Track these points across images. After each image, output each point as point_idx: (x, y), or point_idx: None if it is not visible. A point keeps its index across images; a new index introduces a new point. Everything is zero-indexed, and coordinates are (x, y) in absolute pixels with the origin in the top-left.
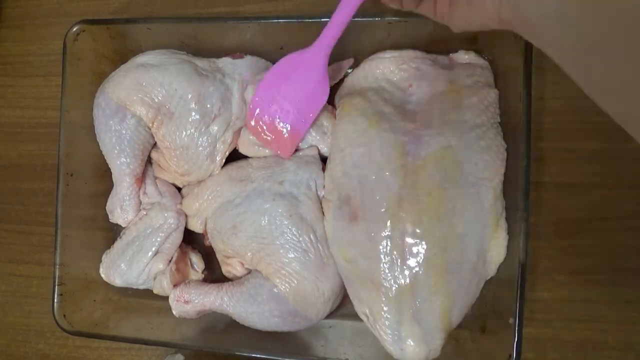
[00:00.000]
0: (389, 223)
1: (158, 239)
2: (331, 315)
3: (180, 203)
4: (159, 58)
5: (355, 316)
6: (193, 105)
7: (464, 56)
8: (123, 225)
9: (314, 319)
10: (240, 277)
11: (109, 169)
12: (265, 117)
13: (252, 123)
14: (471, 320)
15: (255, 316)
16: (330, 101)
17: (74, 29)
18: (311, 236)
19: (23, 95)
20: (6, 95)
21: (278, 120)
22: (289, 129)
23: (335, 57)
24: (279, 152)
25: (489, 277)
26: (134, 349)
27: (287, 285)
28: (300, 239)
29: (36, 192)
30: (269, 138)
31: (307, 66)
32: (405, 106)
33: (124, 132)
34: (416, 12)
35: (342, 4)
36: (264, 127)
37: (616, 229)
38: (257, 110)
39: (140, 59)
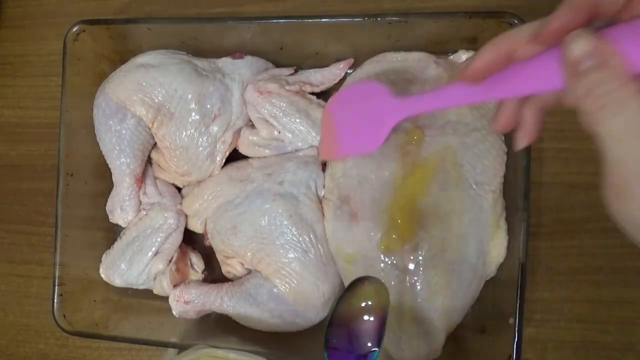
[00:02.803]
0: (388, 223)
1: (158, 239)
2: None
3: (180, 203)
4: (159, 58)
5: None
6: (193, 106)
7: (463, 56)
8: (123, 226)
9: (314, 319)
10: (240, 277)
11: (109, 169)
12: (335, 117)
13: (330, 110)
14: (471, 320)
15: (255, 316)
16: None
17: (74, 29)
18: (311, 236)
19: (23, 95)
20: (6, 95)
21: (338, 128)
22: (338, 140)
23: (336, 57)
24: (321, 148)
25: (489, 278)
26: (134, 349)
27: (287, 285)
28: (300, 239)
29: (36, 192)
30: (326, 130)
31: (382, 109)
32: None
33: (124, 132)
34: None
35: (451, 89)
36: (330, 124)
37: (616, 229)
38: (335, 104)
39: (140, 59)
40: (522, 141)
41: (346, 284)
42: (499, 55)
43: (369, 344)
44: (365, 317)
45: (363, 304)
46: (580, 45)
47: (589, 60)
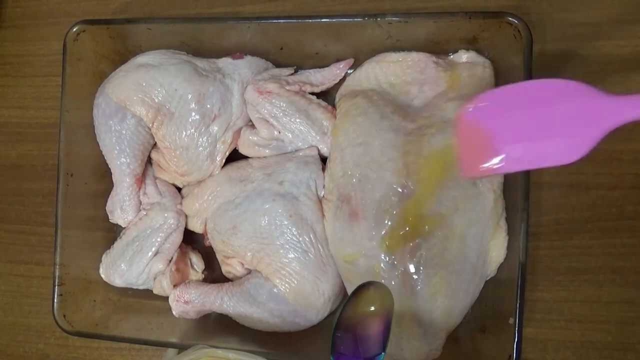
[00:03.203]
0: (389, 223)
1: (158, 239)
2: (331, 315)
3: (180, 203)
4: (159, 58)
5: None
6: (193, 106)
7: (463, 56)
8: (123, 226)
9: (314, 319)
10: (240, 277)
11: (109, 169)
12: (486, 124)
13: (467, 117)
14: (471, 320)
15: (255, 316)
16: (331, 101)
17: (74, 29)
18: (311, 236)
19: (23, 95)
20: (6, 95)
21: (496, 137)
22: (496, 153)
23: (336, 57)
24: (462, 163)
25: (489, 278)
26: (134, 349)
27: (287, 285)
28: (300, 239)
29: (36, 192)
30: (470, 144)
31: (591, 113)
32: (407, 108)
33: (124, 132)
34: None
35: None
36: (475, 133)
37: (616, 229)
38: (482, 107)
39: (140, 59)
40: None
41: (346, 284)
42: None
43: (375, 348)
44: (371, 322)
45: (369, 309)
46: None
47: None
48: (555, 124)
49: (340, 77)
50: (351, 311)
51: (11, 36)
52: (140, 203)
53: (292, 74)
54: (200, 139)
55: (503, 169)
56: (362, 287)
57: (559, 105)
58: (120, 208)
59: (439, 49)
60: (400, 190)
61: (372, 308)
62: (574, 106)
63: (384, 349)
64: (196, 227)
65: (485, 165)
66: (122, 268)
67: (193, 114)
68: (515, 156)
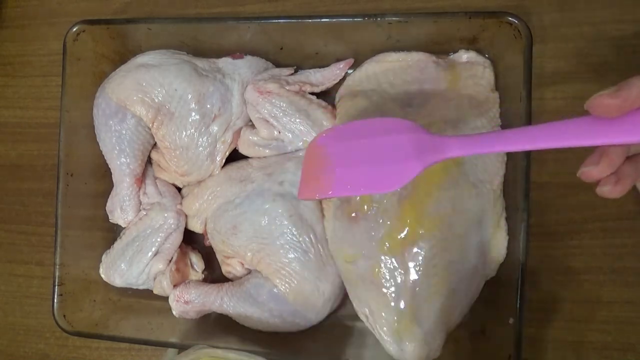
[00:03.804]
0: (389, 223)
1: (158, 239)
2: (331, 315)
3: (180, 203)
4: (159, 58)
5: (355, 316)
6: (193, 106)
7: (463, 56)
8: (123, 226)
9: (314, 319)
10: (240, 277)
11: (109, 169)
12: (324, 153)
13: (313, 146)
14: (471, 320)
15: (255, 316)
16: (330, 101)
17: (74, 29)
18: (311, 236)
19: (23, 95)
20: (6, 95)
21: (331, 164)
22: (329, 179)
23: (336, 57)
24: (300, 186)
25: (489, 278)
26: (134, 349)
27: (287, 285)
28: (300, 239)
29: (36, 192)
30: (310, 166)
31: (413, 150)
32: (406, 108)
33: (124, 132)
34: None
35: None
36: (314, 159)
37: (616, 229)
38: (325, 137)
39: (140, 59)
40: (611, 193)
41: (346, 283)
42: None
43: None
44: None
45: None
46: None
47: None
48: (382, 155)
49: (340, 77)
50: None
51: (11, 36)
52: (140, 203)
53: (292, 74)
54: (200, 139)
55: (334, 193)
56: None
57: (388, 139)
58: (120, 208)
59: (439, 49)
60: (399, 190)
61: None
62: (400, 140)
63: None
64: (196, 227)
65: (322, 187)
66: (122, 268)
67: (193, 114)
68: (346, 181)
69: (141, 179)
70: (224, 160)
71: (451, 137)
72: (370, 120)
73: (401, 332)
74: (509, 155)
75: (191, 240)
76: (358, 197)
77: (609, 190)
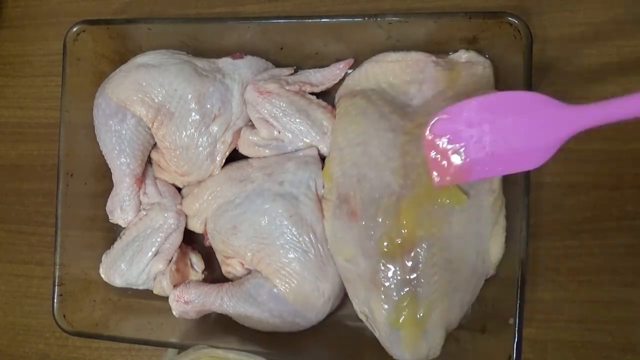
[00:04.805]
0: (388, 222)
1: (158, 239)
2: (331, 315)
3: (180, 203)
4: (159, 58)
5: (355, 316)
6: (193, 106)
7: (463, 55)
8: (123, 226)
9: (313, 319)
10: (240, 277)
11: (109, 169)
12: (450, 136)
13: (428, 133)
14: (471, 320)
15: (255, 317)
16: (330, 101)
17: (74, 29)
18: (311, 236)
19: (23, 95)
20: (6, 95)
21: (462, 147)
22: (465, 163)
23: (336, 57)
24: (433, 175)
25: (488, 276)
26: (134, 349)
27: (287, 285)
28: (300, 239)
29: (36, 192)
30: (437, 157)
31: (551, 122)
32: (406, 107)
33: (124, 132)
34: None
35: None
36: (441, 145)
37: (616, 229)
38: (446, 120)
39: (140, 59)
40: None
41: (346, 283)
42: None
43: None
44: None
45: None
46: None
47: None
48: (518, 133)
49: (340, 77)
50: None
51: (11, 36)
52: (140, 203)
53: (292, 74)
54: (200, 139)
55: (472, 176)
56: None
57: (522, 116)
58: (120, 208)
59: (439, 49)
60: (398, 189)
61: None
62: (534, 116)
63: None
64: (196, 227)
65: (455, 175)
66: (122, 268)
67: (193, 114)
68: (483, 164)
69: (141, 179)
70: (224, 160)
71: (587, 105)
72: (491, 97)
73: (401, 331)
74: None
75: (191, 240)
76: (358, 197)
77: None
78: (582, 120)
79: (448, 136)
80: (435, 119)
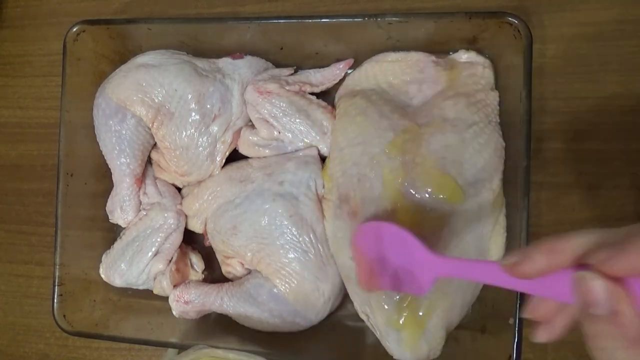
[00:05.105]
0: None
1: (158, 239)
2: (331, 315)
3: (180, 203)
4: (159, 58)
5: (355, 316)
6: (193, 106)
7: (463, 55)
8: (123, 226)
9: (313, 319)
10: (240, 278)
11: (109, 169)
12: (365, 249)
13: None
14: (471, 320)
15: (255, 316)
16: (330, 101)
17: (74, 30)
18: (311, 236)
19: (23, 95)
20: (6, 95)
21: (374, 262)
22: (375, 273)
23: (336, 57)
24: (359, 279)
25: None
26: (134, 349)
27: (287, 285)
28: (300, 239)
29: (36, 192)
30: (363, 265)
31: (424, 264)
32: (406, 107)
33: (124, 132)
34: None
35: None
36: (359, 253)
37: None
38: (363, 233)
39: (141, 59)
40: (541, 337)
41: (346, 283)
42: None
43: None
44: None
45: None
46: (596, 287)
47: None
48: (411, 264)
49: (340, 77)
50: None
51: (11, 36)
52: (140, 203)
53: (292, 74)
54: (200, 139)
55: (384, 287)
56: None
57: (408, 253)
58: (120, 208)
59: (439, 49)
60: (399, 189)
61: None
62: (414, 256)
63: None
64: (196, 227)
65: (375, 282)
66: (122, 268)
67: (193, 114)
68: (389, 281)
69: (141, 179)
70: (224, 160)
71: (447, 257)
72: (384, 225)
73: (401, 332)
74: (509, 155)
75: (191, 240)
76: (358, 197)
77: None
78: (441, 270)
79: (364, 248)
80: (357, 233)
